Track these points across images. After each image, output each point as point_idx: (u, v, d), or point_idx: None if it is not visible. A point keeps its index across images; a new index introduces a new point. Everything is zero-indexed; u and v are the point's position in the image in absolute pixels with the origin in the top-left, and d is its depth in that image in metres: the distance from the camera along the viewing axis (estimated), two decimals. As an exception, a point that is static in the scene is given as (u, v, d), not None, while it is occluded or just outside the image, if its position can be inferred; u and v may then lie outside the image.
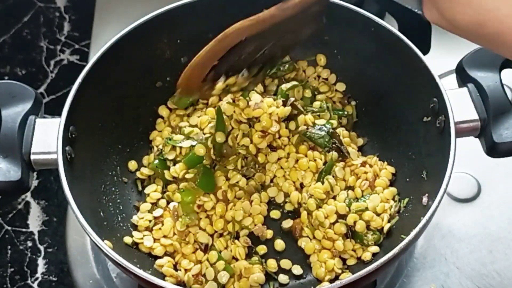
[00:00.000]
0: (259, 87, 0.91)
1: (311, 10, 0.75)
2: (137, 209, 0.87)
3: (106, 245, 0.72)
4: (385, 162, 0.87)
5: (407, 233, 0.71)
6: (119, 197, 0.86)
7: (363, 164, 0.86)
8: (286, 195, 0.87)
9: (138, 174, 0.89)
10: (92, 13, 1.20)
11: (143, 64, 0.90)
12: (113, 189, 0.86)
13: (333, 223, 0.81)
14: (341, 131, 0.89)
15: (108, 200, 0.84)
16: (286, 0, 0.73)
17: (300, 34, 0.79)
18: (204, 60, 0.75)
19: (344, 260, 0.81)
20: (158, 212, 0.85)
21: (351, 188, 0.85)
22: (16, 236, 1.05)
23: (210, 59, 0.75)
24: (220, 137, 0.84)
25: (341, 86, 0.94)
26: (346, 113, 0.92)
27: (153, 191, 0.87)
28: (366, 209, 0.81)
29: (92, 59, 0.82)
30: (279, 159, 0.87)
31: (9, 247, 1.05)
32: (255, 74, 0.81)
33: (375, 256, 0.80)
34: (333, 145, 0.86)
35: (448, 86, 0.79)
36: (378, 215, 0.81)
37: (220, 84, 0.78)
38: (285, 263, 0.82)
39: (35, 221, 1.07)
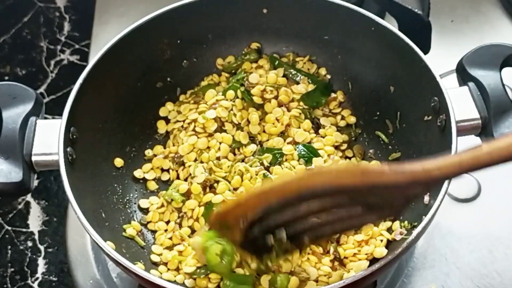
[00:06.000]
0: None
1: (414, 190, 0.62)
2: (140, 209, 0.87)
3: (108, 246, 0.71)
4: None
5: (408, 233, 0.72)
6: (121, 197, 0.87)
7: None
8: None
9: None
10: (92, 13, 1.20)
11: (143, 65, 0.90)
12: (114, 189, 0.86)
13: None
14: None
15: (109, 201, 0.84)
16: (403, 165, 0.62)
17: (373, 215, 0.66)
18: (267, 194, 0.63)
19: None
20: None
21: None
22: (16, 236, 1.05)
23: (273, 194, 0.63)
24: None
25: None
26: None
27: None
28: None
29: (93, 60, 0.82)
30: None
31: (9, 247, 1.04)
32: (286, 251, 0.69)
33: None
34: None
35: (449, 85, 0.79)
36: None
37: (253, 264, 0.72)
38: None
39: (35, 221, 1.07)
